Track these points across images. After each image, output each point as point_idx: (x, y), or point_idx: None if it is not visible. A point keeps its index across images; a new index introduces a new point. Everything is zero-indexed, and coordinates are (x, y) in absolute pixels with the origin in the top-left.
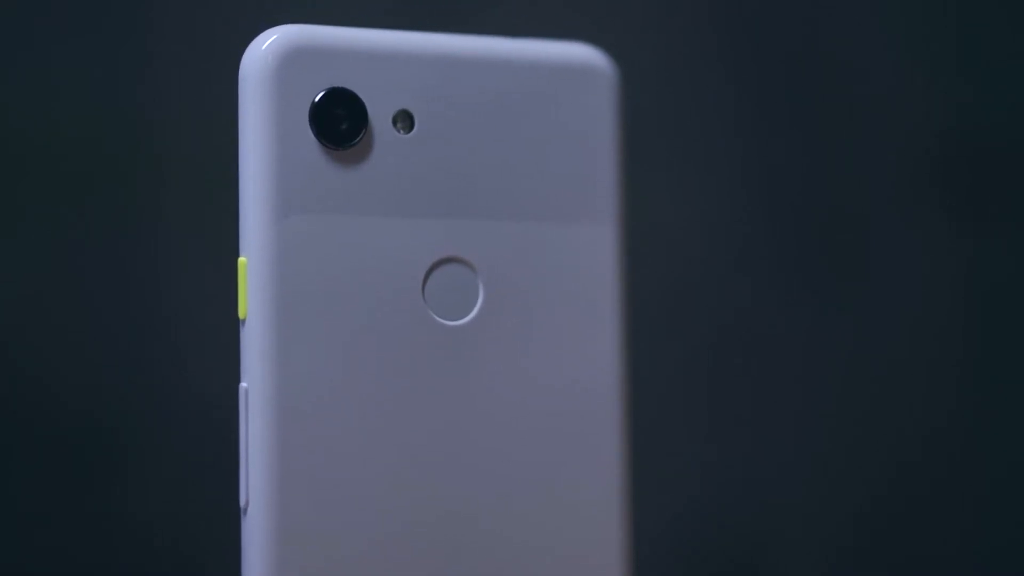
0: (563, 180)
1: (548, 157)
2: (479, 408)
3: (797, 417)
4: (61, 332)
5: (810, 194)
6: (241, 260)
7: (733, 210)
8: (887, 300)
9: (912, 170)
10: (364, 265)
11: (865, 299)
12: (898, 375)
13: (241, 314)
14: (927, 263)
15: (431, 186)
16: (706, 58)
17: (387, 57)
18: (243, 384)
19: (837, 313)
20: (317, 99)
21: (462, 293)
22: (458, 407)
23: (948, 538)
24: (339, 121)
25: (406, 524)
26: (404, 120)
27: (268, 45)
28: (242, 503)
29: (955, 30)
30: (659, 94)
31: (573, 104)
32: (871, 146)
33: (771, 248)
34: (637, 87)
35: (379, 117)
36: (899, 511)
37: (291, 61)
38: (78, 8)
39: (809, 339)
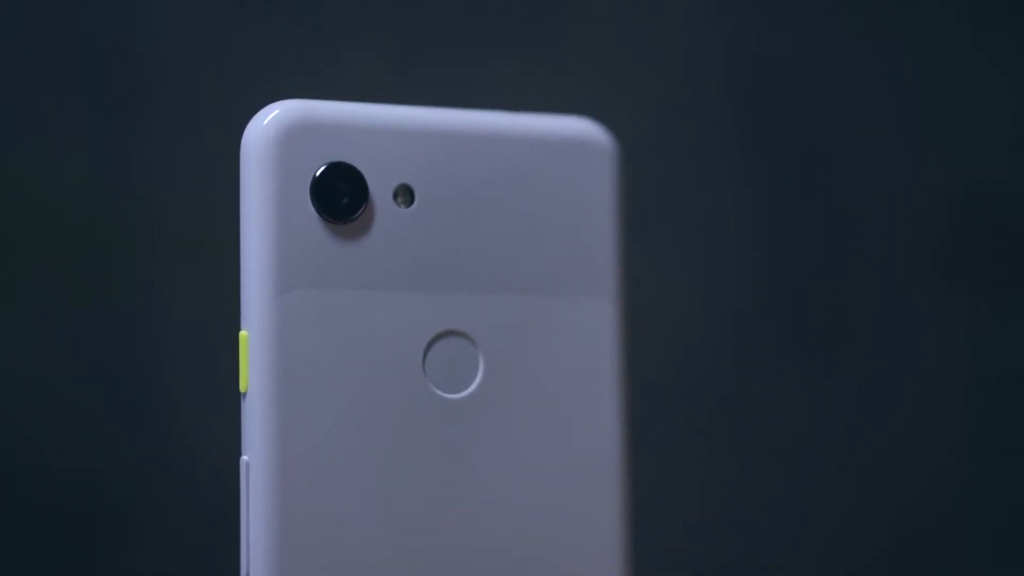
0: (562, 253)
1: (548, 230)
2: (480, 481)
3: (796, 488)
4: (62, 407)
5: (810, 263)
6: (242, 333)
7: (733, 281)
8: (887, 370)
9: (912, 241)
10: (365, 339)
11: (865, 370)
12: (897, 445)
13: (242, 387)
14: (928, 333)
15: (431, 260)
16: (707, 130)
17: (387, 132)
18: (244, 457)
19: (837, 384)
20: (318, 173)
21: (462, 366)
22: (459, 480)
23: None
24: (340, 195)
25: None
26: (404, 194)
27: (269, 120)
28: (242, 575)
29: (959, 103)
30: (660, 167)
31: (573, 178)
32: (871, 217)
33: (771, 319)
34: (638, 160)
35: (380, 191)
36: None
37: (292, 136)
38: (79, 82)
39: (810, 411)
